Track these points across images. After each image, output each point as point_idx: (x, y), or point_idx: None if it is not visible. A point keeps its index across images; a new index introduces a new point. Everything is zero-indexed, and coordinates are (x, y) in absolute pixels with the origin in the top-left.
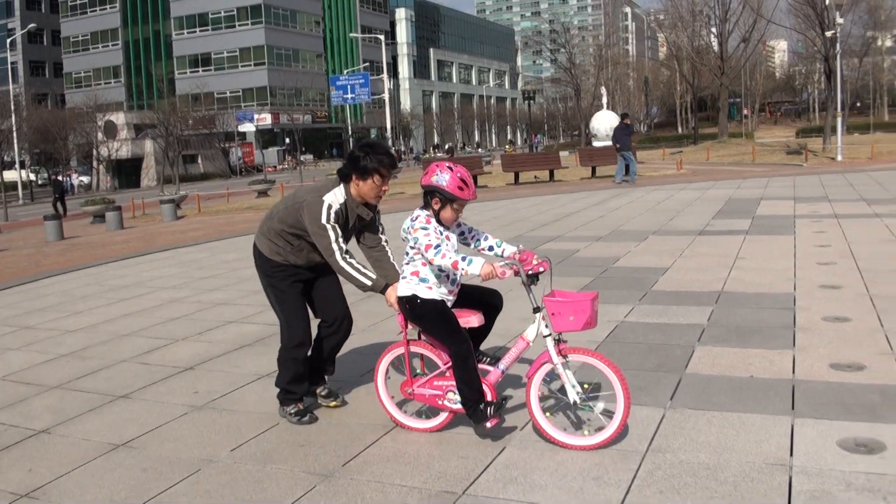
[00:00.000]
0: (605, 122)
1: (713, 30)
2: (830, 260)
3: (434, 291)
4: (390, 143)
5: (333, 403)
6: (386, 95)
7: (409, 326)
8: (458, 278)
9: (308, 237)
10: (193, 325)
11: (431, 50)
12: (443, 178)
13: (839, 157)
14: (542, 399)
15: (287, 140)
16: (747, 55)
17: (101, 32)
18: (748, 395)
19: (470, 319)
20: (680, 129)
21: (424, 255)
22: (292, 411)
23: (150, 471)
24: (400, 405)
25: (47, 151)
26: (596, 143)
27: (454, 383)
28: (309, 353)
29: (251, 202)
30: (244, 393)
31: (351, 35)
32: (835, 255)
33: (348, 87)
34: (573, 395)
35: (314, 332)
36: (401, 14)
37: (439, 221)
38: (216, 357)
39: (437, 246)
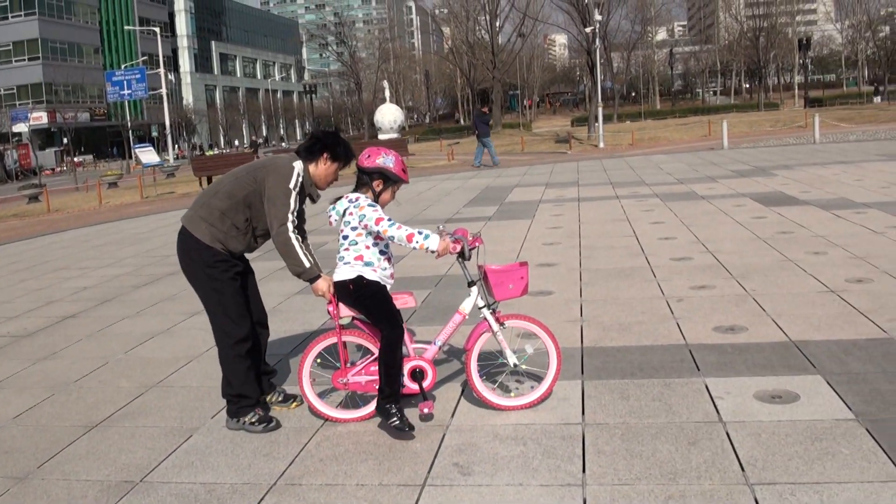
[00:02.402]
0: (388, 116)
1: (486, 25)
2: (556, 240)
3: (378, 274)
4: (170, 140)
5: (294, 405)
6: (164, 90)
7: (342, 314)
8: (393, 265)
9: (257, 214)
10: None
11: (213, 43)
12: (389, 160)
13: (601, 145)
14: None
15: (65, 140)
16: (518, 49)
17: None
18: None
19: (407, 300)
20: (462, 121)
21: (375, 228)
22: (253, 420)
23: None
24: (321, 397)
25: None
26: (381, 136)
27: None
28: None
29: (19, 209)
30: None
31: (127, 28)
32: (562, 236)
33: (124, 82)
34: (512, 359)
35: None
36: (180, 5)
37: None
38: None
39: (390, 219)
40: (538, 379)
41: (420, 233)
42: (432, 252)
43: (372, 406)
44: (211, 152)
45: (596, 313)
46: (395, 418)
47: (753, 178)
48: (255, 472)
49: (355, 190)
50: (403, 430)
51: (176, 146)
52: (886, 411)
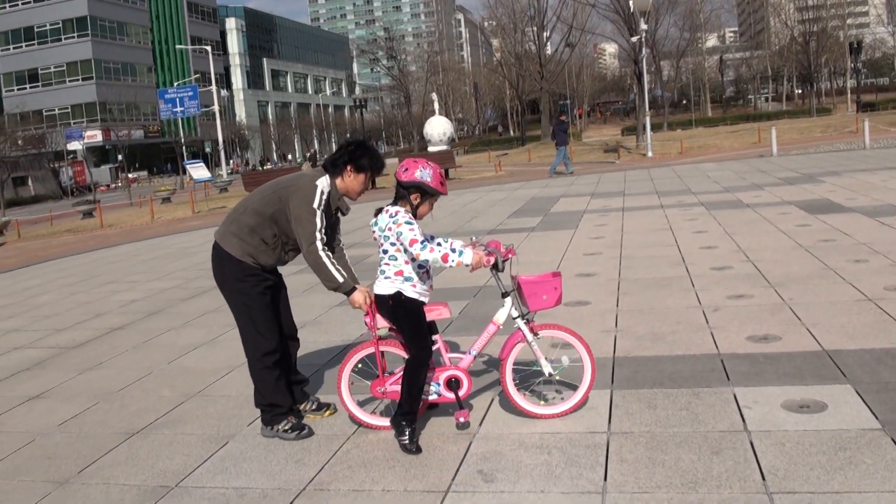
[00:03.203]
0: (437, 128)
1: (533, 36)
2: (597, 251)
3: (418, 288)
4: (223, 155)
5: (328, 413)
6: (216, 107)
7: (379, 325)
8: (432, 277)
9: (285, 230)
10: None
11: (265, 60)
12: (426, 173)
13: (649, 154)
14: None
15: (119, 157)
16: (566, 60)
17: None
18: None
19: (442, 311)
20: (511, 132)
21: (409, 250)
22: (286, 428)
23: None
24: (360, 405)
25: None
26: (431, 148)
27: (432, 375)
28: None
29: (73, 224)
30: (10, 416)
31: (178, 47)
32: (603, 246)
33: (177, 99)
34: (547, 368)
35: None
36: (231, 24)
37: (415, 216)
38: None
39: (423, 241)
40: (572, 388)
41: (453, 250)
42: (467, 266)
43: None
44: (268, 166)
45: (631, 323)
46: (405, 437)
47: (800, 185)
48: (286, 478)
49: (394, 203)
50: (410, 451)
51: (231, 161)
52: None
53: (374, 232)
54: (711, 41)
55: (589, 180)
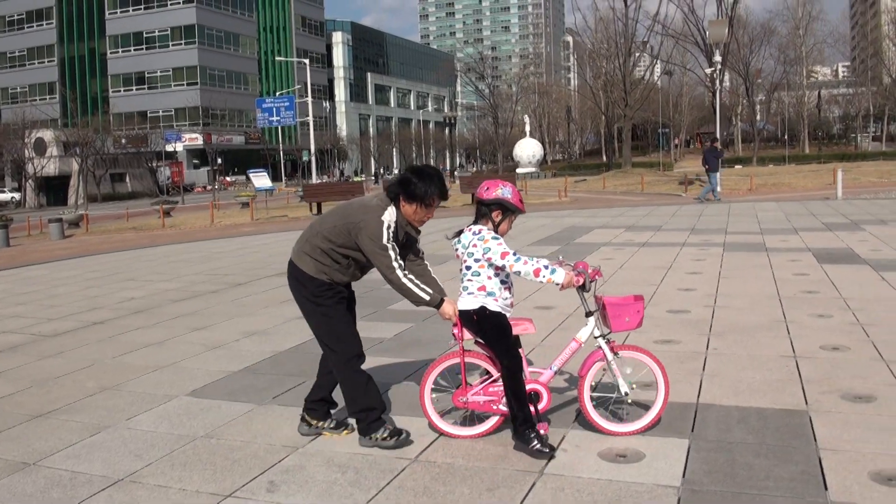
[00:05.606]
0: (527, 150)
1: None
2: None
3: (500, 302)
4: (314, 165)
5: (345, 432)
6: (310, 118)
7: (466, 336)
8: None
9: (356, 256)
10: None
11: (369, 74)
12: (506, 191)
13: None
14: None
15: (218, 160)
16: (650, 88)
17: (38, 49)
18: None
19: (527, 327)
20: (604, 158)
21: (500, 262)
22: (384, 436)
23: None
24: (441, 415)
25: None
26: (520, 170)
27: None
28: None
29: (140, 223)
30: None
31: (278, 59)
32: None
33: (273, 109)
34: (625, 387)
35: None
36: (338, 38)
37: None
38: None
39: (515, 253)
40: (645, 407)
41: (546, 267)
42: (557, 284)
43: (488, 424)
44: (359, 178)
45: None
46: (534, 442)
47: (837, 231)
48: (116, 468)
49: (475, 222)
50: (544, 452)
51: (331, 171)
52: (720, 483)
53: (456, 250)
54: (822, 76)
55: (639, 213)
